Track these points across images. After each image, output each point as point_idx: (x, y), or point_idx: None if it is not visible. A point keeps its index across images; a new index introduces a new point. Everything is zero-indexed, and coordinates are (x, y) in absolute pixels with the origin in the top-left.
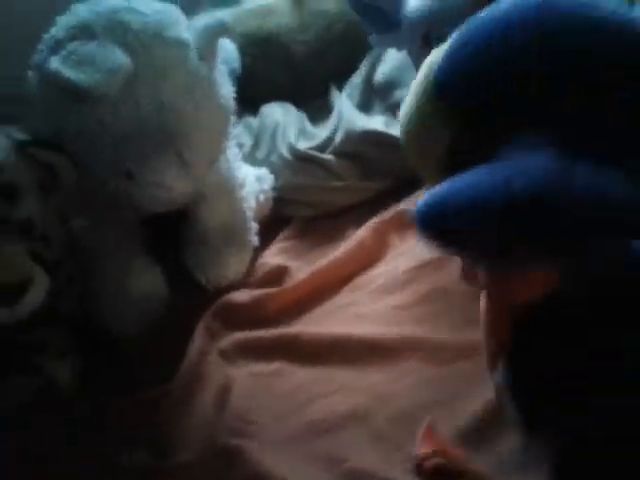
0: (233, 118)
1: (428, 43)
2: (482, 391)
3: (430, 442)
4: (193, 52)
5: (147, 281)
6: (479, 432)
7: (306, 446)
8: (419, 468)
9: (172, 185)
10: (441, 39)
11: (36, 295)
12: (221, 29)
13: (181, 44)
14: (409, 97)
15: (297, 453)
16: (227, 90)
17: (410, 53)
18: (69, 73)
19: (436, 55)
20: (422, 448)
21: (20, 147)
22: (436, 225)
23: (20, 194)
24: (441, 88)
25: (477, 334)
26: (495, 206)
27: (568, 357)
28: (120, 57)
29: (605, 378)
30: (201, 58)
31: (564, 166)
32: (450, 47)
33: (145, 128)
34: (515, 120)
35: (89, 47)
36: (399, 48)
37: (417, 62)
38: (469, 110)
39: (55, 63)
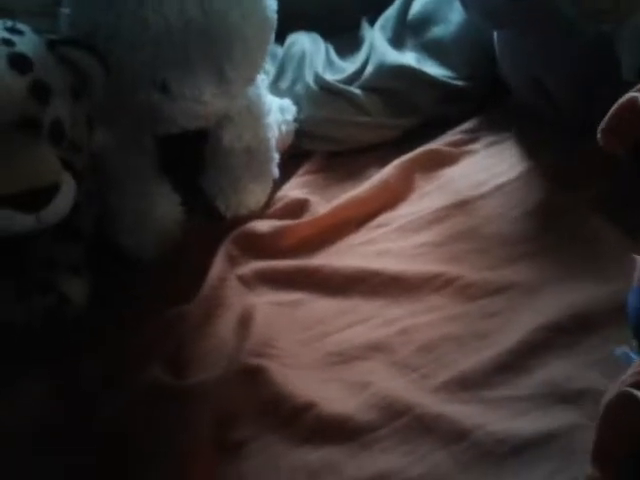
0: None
1: None
2: (509, 329)
3: None
4: None
5: (164, 205)
6: (511, 366)
7: (329, 372)
8: None
9: (209, 101)
10: None
11: (63, 202)
12: None
13: None
14: None
15: (320, 378)
16: (271, 2)
17: None
18: None
19: None
20: None
21: (51, 45)
22: None
23: (51, 95)
24: None
25: (508, 273)
26: None
27: None
28: None
29: None
30: None
31: None
32: None
33: (188, 32)
34: None
35: None
36: None
37: None
38: None
39: None
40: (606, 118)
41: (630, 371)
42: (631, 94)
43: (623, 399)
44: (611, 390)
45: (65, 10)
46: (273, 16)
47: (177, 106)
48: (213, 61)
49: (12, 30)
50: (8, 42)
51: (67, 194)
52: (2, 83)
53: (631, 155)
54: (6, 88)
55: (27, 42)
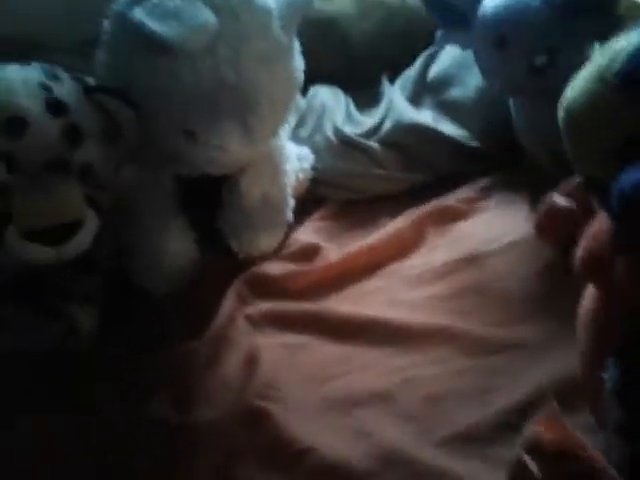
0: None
1: (501, 44)
2: (514, 387)
3: (553, 426)
4: (276, 21)
5: (179, 242)
6: (513, 425)
7: (332, 419)
8: (537, 447)
9: (234, 150)
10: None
11: (84, 238)
12: (307, 3)
13: (266, 11)
14: (580, 82)
15: (323, 424)
16: (299, 63)
17: (477, 53)
18: (154, 25)
19: (622, 43)
20: (546, 433)
21: (88, 92)
22: None
23: (84, 138)
24: (627, 78)
25: (515, 332)
26: None
27: None
28: (207, 14)
29: None
30: (282, 28)
31: None
32: None
33: (220, 90)
34: None
35: (176, 1)
36: (464, 47)
37: (485, 63)
38: None
39: (140, 14)
40: (537, 219)
41: (526, 433)
42: (551, 197)
43: (516, 463)
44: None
45: (101, 55)
46: (300, 75)
47: (203, 154)
48: (240, 115)
49: (51, 75)
50: (46, 87)
51: (89, 230)
52: (37, 125)
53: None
54: (40, 130)
55: (65, 87)
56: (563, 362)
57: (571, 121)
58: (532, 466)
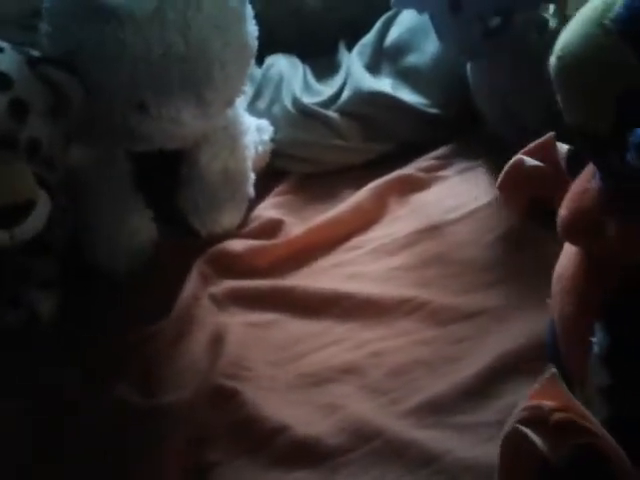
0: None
1: (456, 8)
2: (479, 355)
3: (553, 395)
4: None
5: (137, 222)
6: (479, 391)
7: (301, 395)
8: (539, 419)
9: (188, 122)
10: (470, 5)
11: (38, 220)
12: None
13: None
14: (577, 25)
15: (292, 400)
16: (252, 28)
17: (433, 17)
18: None
19: None
20: (545, 400)
21: (32, 64)
22: None
23: (29, 112)
24: (626, 24)
25: (478, 299)
26: None
27: None
28: None
29: None
30: None
31: None
32: None
33: (168, 57)
34: None
35: None
36: (420, 10)
37: (441, 28)
38: None
39: None
40: (500, 177)
41: (519, 406)
42: (518, 156)
43: (514, 436)
44: (506, 426)
45: (44, 26)
46: (253, 42)
47: (155, 126)
48: (192, 85)
49: None
50: None
51: (42, 211)
52: None
53: (525, 212)
54: None
55: (7, 59)
56: (527, 326)
57: (566, 66)
58: (534, 438)
